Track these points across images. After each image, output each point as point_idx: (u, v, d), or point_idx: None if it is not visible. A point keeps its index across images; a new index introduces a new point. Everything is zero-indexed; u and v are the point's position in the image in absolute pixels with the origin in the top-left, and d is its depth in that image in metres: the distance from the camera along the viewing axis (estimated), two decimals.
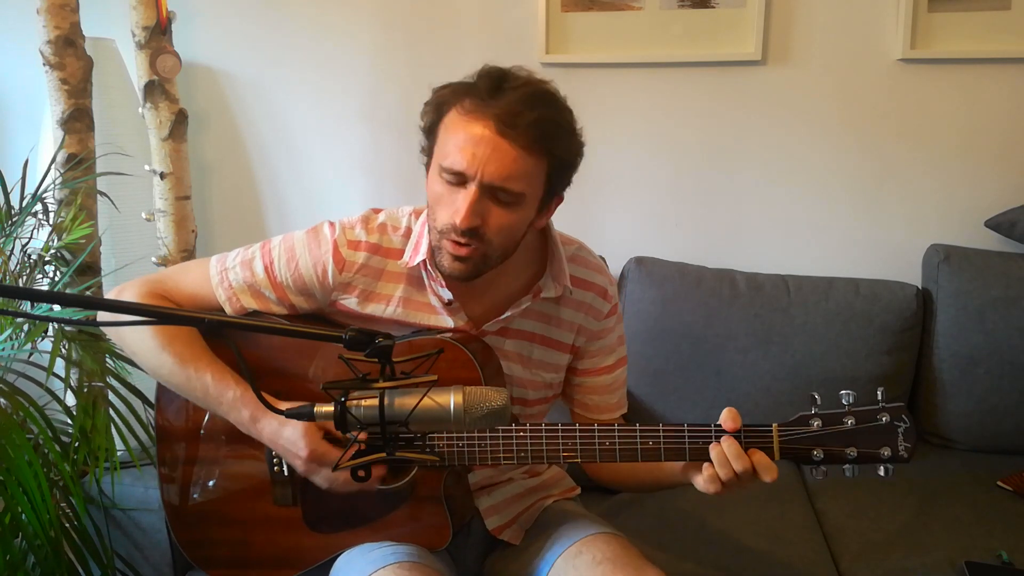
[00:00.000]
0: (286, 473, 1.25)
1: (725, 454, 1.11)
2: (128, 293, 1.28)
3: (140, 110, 1.97)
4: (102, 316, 1.30)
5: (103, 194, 1.89)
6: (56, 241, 1.80)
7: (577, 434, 1.18)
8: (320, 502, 1.26)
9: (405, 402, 0.89)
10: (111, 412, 1.70)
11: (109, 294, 1.33)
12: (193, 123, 2.04)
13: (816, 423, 1.13)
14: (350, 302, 1.28)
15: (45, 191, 1.80)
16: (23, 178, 1.87)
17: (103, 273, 1.91)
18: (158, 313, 0.94)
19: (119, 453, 1.69)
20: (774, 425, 1.14)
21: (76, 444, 1.63)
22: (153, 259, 2.00)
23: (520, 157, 1.11)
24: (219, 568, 1.34)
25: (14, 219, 1.78)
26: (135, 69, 1.97)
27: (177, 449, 1.34)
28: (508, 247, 1.20)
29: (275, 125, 2.24)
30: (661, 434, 1.15)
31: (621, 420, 1.42)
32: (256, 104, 2.23)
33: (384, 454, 0.93)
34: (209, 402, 1.23)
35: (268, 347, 1.28)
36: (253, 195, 2.29)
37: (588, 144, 1.21)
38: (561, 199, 1.24)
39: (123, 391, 1.70)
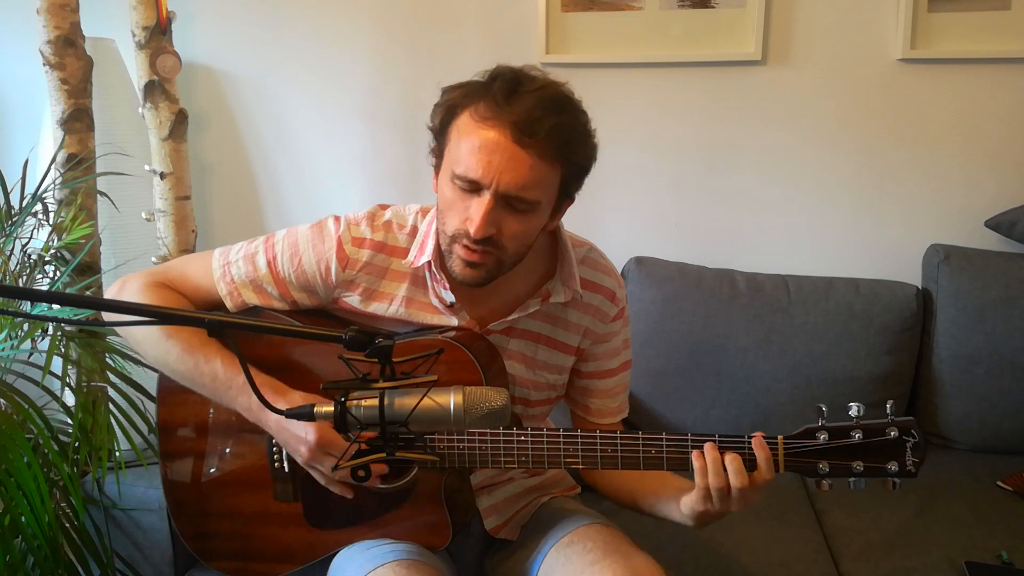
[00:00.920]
0: (287, 469, 1.25)
1: (720, 461, 1.10)
2: (132, 284, 1.26)
3: (140, 110, 1.96)
4: (104, 315, 1.29)
5: (103, 194, 1.88)
6: (56, 241, 1.80)
7: (579, 440, 1.17)
8: (321, 499, 1.26)
9: (405, 402, 0.89)
10: (112, 410, 1.70)
11: (113, 285, 1.31)
12: (193, 123, 2.04)
13: (823, 436, 1.11)
14: (353, 300, 1.27)
15: (45, 191, 1.80)
16: (23, 178, 1.87)
17: (103, 272, 1.91)
18: (159, 313, 0.94)
19: (121, 451, 1.69)
20: (780, 437, 1.13)
21: (76, 444, 1.63)
22: (153, 259, 2.00)
23: (536, 165, 1.09)
24: (220, 560, 1.34)
25: (14, 219, 1.78)
26: (135, 69, 1.96)
27: (179, 443, 1.34)
28: (522, 252, 1.19)
29: (275, 125, 2.24)
30: (664, 443, 1.14)
31: (621, 425, 1.41)
32: (256, 104, 2.23)
33: (384, 454, 0.93)
34: (217, 388, 1.21)
35: (271, 343, 1.27)
36: (253, 195, 2.29)
37: None
38: (572, 201, 1.22)
39: (124, 387, 1.70)
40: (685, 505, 1.15)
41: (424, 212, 1.28)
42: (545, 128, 1.07)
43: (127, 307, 0.90)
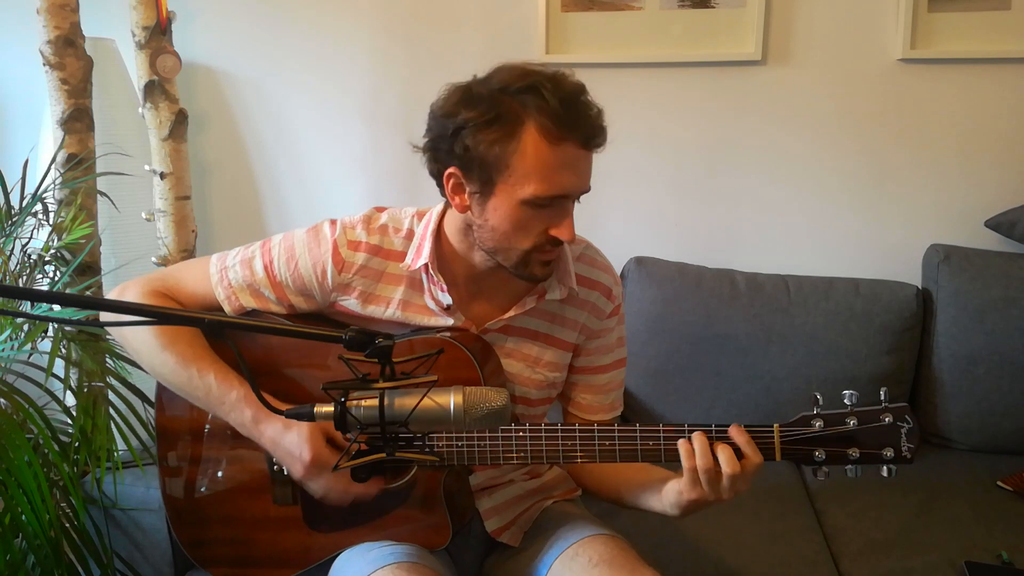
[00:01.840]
0: (285, 472, 1.25)
1: (707, 444, 1.11)
2: (131, 291, 1.28)
3: (140, 110, 1.96)
4: (103, 316, 1.30)
5: (103, 194, 1.89)
6: (56, 241, 1.80)
7: (577, 434, 1.17)
8: (320, 501, 1.26)
9: (405, 402, 0.89)
10: (111, 411, 1.70)
11: (111, 292, 1.33)
12: (193, 123, 2.04)
13: (818, 423, 1.12)
14: (350, 303, 1.27)
15: (45, 191, 1.80)
16: (23, 178, 1.87)
17: (103, 272, 1.91)
18: (158, 313, 0.94)
19: (120, 452, 1.69)
20: (775, 426, 1.14)
21: (76, 444, 1.64)
22: (153, 259, 2.00)
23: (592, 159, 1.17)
24: (220, 567, 1.34)
25: (14, 219, 1.78)
26: (135, 69, 1.96)
27: (178, 448, 1.34)
28: None
29: (275, 125, 2.24)
30: (661, 434, 1.15)
31: (615, 423, 1.41)
32: (256, 104, 2.23)
33: (384, 454, 0.93)
34: (211, 402, 1.23)
35: (268, 347, 1.27)
36: (253, 195, 2.29)
37: None
38: None
39: (123, 391, 1.70)
40: (671, 491, 1.16)
41: (420, 215, 1.29)
42: (602, 129, 1.15)
43: (127, 307, 0.90)
